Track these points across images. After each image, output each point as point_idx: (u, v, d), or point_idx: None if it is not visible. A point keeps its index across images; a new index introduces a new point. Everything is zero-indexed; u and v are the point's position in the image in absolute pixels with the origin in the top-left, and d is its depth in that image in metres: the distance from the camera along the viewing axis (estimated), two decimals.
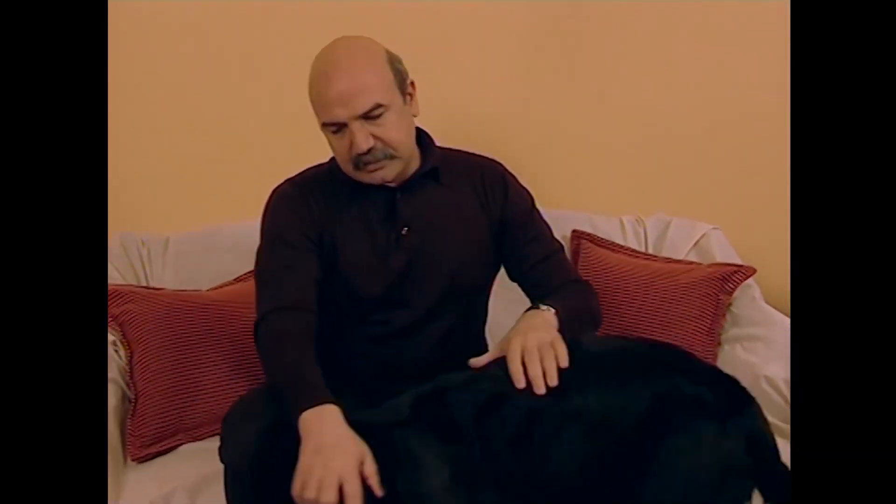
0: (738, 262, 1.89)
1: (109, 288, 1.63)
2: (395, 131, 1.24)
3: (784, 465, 1.07)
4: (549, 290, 1.32)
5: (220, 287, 1.77)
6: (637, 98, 2.04)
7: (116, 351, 1.61)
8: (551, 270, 1.36)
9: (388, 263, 1.31)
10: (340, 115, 1.21)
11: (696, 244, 1.98)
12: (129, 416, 1.51)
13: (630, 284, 1.79)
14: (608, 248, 1.93)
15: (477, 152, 1.45)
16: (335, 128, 1.23)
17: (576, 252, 1.92)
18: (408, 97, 1.28)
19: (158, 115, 1.92)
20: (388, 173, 1.26)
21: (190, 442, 1.51)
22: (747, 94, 2.02)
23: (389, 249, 1.31)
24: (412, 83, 1.30)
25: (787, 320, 1.67)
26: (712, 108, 2.04)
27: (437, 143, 1.39)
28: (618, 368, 1.11)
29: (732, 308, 1.80)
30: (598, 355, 1.13)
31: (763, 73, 1.98)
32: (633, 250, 1.95)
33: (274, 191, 1.36)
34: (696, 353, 1.68)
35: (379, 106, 1.21)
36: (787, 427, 1.47)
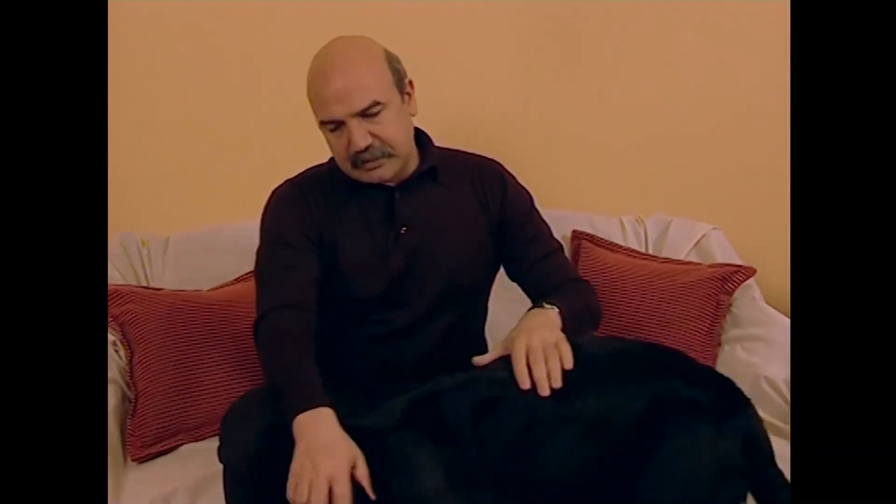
0: (739, 262, 1.89)
1: (110, 288, 1.63)
2: (393, 129, 1.24)
3: (777, 469, 1.07)
4: (548, 288, 1.32)
5: (221, 287, 1.77)
6: (637, 98, 2.04)
7: (116, 351, 1.61)
8: (551, 269, 1.36)
9: (388, 263, 1.31)
10: (338, 112, 1.21)
11: (696, 244, 1.98)
12: (130, 416, 1.51)
13: (630, 285, 1.79)
14: (608, 249, 1.93)
15: (477, 152, 1.45)
16: (333, 126, 1.23)
17: (576, 252, 1.92)
18: (406, 96, 1.29)
19: (158, 115, 1.92)
20: (385, 172, 1.26)
21: (191, 442, 1.51)
22: (747, 94, 2.02)
23: (389, 249, 1.31)
24: (410, 82, 1.30)
25: (788, 321, 1.67)
26: (712, 108, 2.04)
27: (437, 143, 1.39)
28: (615, 370, 1.11)
29: (733, 308, 1.80)
30: (596, 357, 1.13)
31: (763, 73, 1.98)
32: (634, 251, 1.95)
33: (274, 191, 1.36)
34: (696, 353, 1.69)
35: (377, 104, 1.21)
36: (787, 427, 1.47)
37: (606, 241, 1.95)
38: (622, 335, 1.71)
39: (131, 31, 1.82)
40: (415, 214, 1.32)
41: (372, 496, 1.02)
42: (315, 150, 1.35)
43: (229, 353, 1.59)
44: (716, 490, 1.02)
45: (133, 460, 1.47)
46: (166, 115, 1.92)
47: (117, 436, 1.49)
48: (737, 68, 2.01)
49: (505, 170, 1.43)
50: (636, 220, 2.04)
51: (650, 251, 1.98)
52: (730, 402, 1.08)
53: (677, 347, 1.60)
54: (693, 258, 1.95)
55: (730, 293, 1.78)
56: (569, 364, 1.09)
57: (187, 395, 1.53)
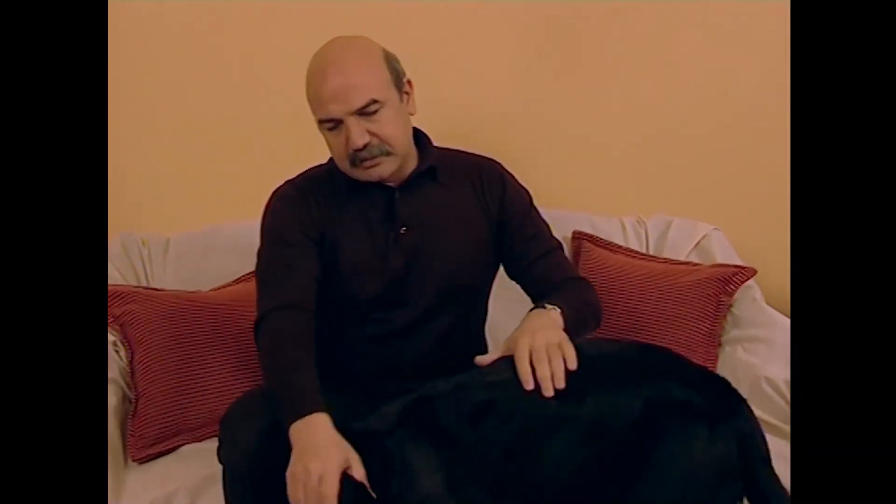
0: (739, 262, 1.89)
1: (111, 288, 1.64)
2: (392, 128, 1.24)
3: (772, 473, 1.06)
4: (548, 287, 1.32)
5: (222, 288, 1.77)
6: (637, 98, 2.04)
7: (117, 351, 1.61)
8: (550, 267, 1.36)
9: (388, 263, 1.31)
10: (336, 111, 1.21)
11: (696, 245, 1.98)
12: (130, 417, 1.51)
13: (631, 285, 1.79)
14: (609, 249, 1.93)
15: (476, 152, 1.45)
16: (331, 124, 1.23)
17: (576, 253, 1.92)
18: (405, 95, 1.29)
19: (158, 115, 1.92)
20: (384, 170, 1.26)
21: (191, 443, 1.52)
22: (747, 94, 2.02)
23: (388, 249, 1.31)
24: (409, 82, 1.30)
25: (788, 321, 1.67)
26: (712, 108, 2.04)
27: (437, 143, 1.39)
28: (612, 372, 1.11)
29: (733, 309, 1.80)
30: (593, 359, 1.13)
31: (763, 73, 1.98)
32: (634, 251, 1.95)
33: (274, 192, 1.36)
34: (696, 354, 1.69)
35: (374, 102, 1.21)
36: (787, 427, 1.47)
37: (607, 241, 1.95)
38: (622, 336, 1.71)
39: (131, 31, 1.82)
40: (414, 214, 1.32)
41: (372, 494, 1.02)
42: (315, 150, 1.36)
43: (230, 354, 1.59)
44: (715, 491, 1.02)
45: (134, 461, 1.48)
46: (166, 115, 1.92)
47: (118, 436, 1.49)
48: (737, 68, 2.01)
49: (504, 169, 1.43)
50: (637, 220, 2.04)
51: (651, 252, 1.98)
52: (724, 402, 1.08)
53: (678, 348, 1.61)
54: (694, 259, 1.95)
55: (730, 294, 1.78)
56: (573, 364, 1.09)
57: (188, 396, 1.53)
